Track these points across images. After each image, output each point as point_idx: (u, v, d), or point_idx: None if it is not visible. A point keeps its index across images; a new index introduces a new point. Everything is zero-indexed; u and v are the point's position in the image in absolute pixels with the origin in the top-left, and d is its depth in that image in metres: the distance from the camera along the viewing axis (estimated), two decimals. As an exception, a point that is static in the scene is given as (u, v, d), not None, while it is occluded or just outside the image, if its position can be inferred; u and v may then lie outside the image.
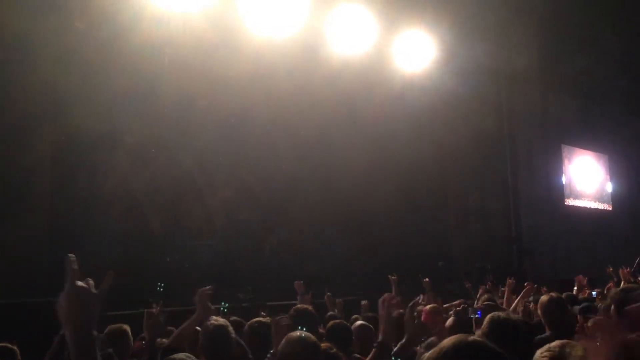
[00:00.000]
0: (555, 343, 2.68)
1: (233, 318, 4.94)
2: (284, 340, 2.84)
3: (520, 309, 6.34)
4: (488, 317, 3.22)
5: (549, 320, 4.08)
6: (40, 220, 9.77)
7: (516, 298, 7.10)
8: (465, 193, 17.94)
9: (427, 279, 7.96)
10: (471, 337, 2.08)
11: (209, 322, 3.67)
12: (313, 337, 2.87)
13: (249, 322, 4.50)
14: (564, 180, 22.62)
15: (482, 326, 3.22)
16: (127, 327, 4.53)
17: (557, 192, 22.03)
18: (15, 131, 9.49)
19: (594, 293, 9.34)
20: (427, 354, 2.10)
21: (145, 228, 13.02)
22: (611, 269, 9.80)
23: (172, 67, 13.63)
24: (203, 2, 11.68)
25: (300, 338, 2.84)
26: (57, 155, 10.32)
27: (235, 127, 16.05)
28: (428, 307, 5.51)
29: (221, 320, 3.73)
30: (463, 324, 4.83)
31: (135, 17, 11.25)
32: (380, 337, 3.55)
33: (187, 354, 3.05)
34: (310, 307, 4.05)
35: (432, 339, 3.69)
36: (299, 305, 4.12)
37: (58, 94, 10.33)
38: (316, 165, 17.06)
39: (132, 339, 4.62)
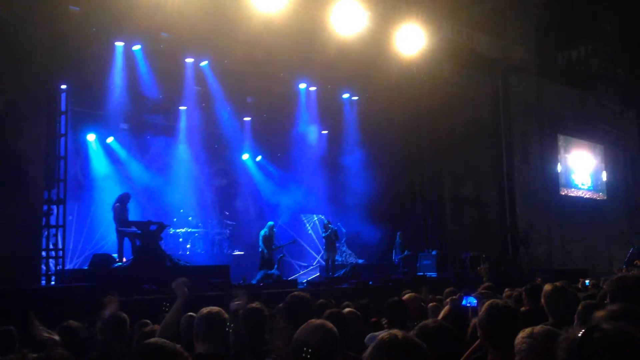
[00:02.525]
0: (537, 329, 2.72)
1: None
2: (302, 328, 2.77)
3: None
4: (487, 303, 3.23)
5: (552, 308, 4.10)
6: (34, 207, 9.72)
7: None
8: (460, 182, 17.96)
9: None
10: (402, 334, 2.24)
11: (203, 309, 3.67)
12: (332, 326, 2.81)
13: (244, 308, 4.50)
14: (559, 169, 22.67)
15: (481, 312, 3.23)
16: (125, 316, 4.52)
17: (552, 182, 22.09)
18: (10, 118, 9.42)
19: (587, 282, 9.40)
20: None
21: (140, 215, 13.00)
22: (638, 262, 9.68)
23: (167, 51, 13.57)
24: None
25: (321, 326, 2.78)
26: (51, 141, 10.24)
27: (231, 115, 16.02)
28: (406, 295, 5.46)
29: (215, 307, 3.72)
30: (458, 313, 4.84)
31: (132, 1, 11.16)
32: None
33: (158, 339, 3.03)
34: (307, 295, 4.04)
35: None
36: (295, 293, 4.11)
37: (52, 79, 10.25)
38: (313, 154, 17.09)
39: (129, 325, 4.61)
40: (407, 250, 15.24)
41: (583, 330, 1.61)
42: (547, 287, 4.12)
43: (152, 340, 2.96)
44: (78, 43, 11.53)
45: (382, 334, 2.30)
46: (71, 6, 10.96)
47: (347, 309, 4.89)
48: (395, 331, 2.31)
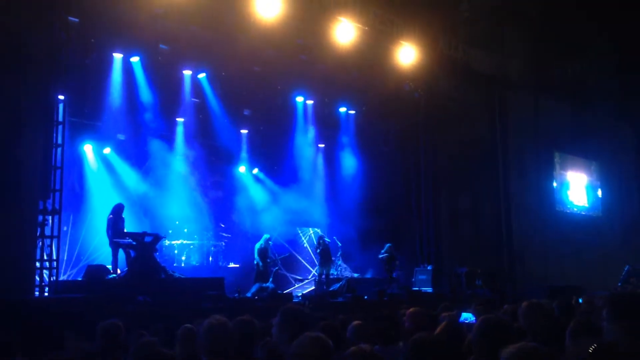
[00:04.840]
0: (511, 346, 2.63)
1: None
2: (296, 341, 2.75)
3: None
4: (480, 319, 3.24)
5: (528, 325, 4.12)
6: (29, 217, 9.67)
7: None
8: (456, 197, 17.94)
9: None
10: (370, 349, 2.45)
11: (207, 320, 3.63)
12: (326, 338, 2.80)
13: (234, 320, 4.46)
14: (555, 185, 22.71)
15: (474, 327, 3.23)
16: (120, 323, 4.50)
17: (548, 198, 22.10)
18: (6, 127, 9.40)
19: (580, 300, 9.38)
20: None
21: (135, 226, 12.95)
22: None
23: (166, 63, 13.60)
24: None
25: (314, 338, 2.77)
26: (48, 151, 10.20)
27: (230, 125, 16.04)
28: (411, 309, 5.40)
29: (220, 318, 3.68)
30: (454, 330, 4.81)
31: (131, 11, 11.19)
32: None
33: (158, 348, 3.02)
34: (303, 307, 4.02)
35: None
36: (289, 305, 4.09)
37: (50, 89, 10.24)
38: (310, 167, 17.10)
39: (124, 334, 4.58)
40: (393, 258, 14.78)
41: (594, 347, 1.66)
42: (524, 303, 4.15)
43: (152, 349, 2.95)
44: (76, 54, 11.55)
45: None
46: (70, 17, 10.98)
47: (355, 322, 4.83)
48: (365, 346, 2.50)
